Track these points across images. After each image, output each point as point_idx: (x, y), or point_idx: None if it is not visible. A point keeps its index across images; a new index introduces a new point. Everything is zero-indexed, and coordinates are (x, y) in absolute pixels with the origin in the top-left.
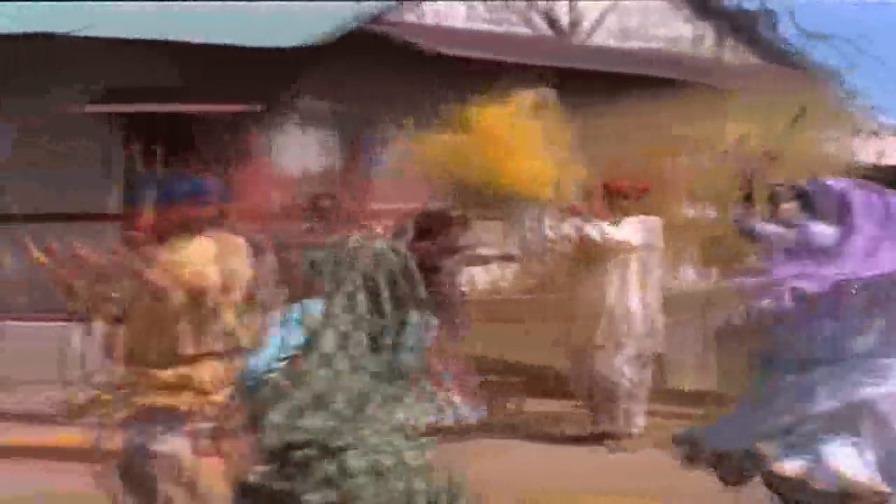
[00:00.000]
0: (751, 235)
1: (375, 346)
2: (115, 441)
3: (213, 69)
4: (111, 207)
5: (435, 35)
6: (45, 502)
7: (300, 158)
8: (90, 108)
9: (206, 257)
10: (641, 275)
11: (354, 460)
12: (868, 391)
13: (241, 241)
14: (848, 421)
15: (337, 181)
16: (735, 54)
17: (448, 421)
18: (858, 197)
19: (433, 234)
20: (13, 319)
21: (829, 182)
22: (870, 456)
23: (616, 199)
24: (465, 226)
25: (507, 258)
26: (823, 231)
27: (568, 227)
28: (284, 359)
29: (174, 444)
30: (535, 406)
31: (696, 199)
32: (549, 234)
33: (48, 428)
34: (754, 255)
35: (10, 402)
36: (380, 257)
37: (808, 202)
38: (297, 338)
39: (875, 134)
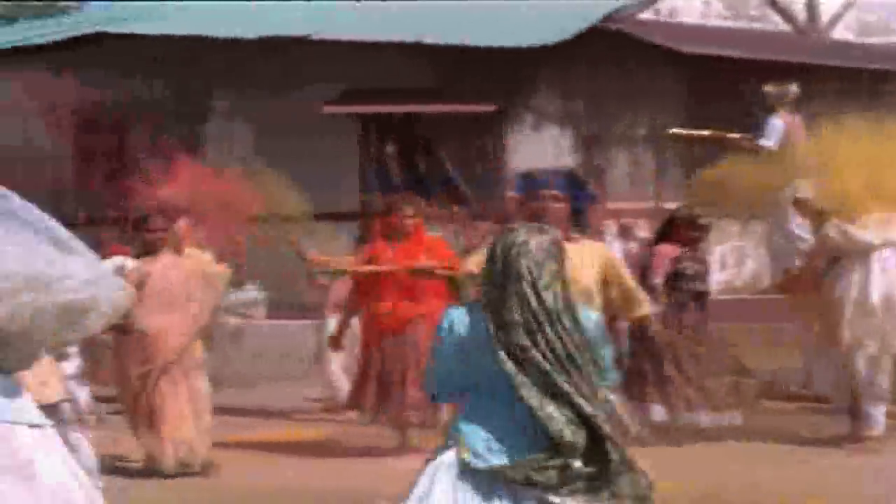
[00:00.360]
0: None
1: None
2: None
3: (453, 70)
4: (352, 207)
5: (671, 32)
6: (285, 497)
7: (536, 158)
8: (330, 109)
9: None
10: (882, 272)
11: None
12: None
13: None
14: None
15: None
16: None
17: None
18: None
19: (682, 235)
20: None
21: None
22: None
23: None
24: (707, 228)
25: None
26: None
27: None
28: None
29: None
30: (772, 408)
31: None
32: (800, 233)
33: (288, 424)
34: None
35: (252, 398)
36: (517, 248)
37: None
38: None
39: None
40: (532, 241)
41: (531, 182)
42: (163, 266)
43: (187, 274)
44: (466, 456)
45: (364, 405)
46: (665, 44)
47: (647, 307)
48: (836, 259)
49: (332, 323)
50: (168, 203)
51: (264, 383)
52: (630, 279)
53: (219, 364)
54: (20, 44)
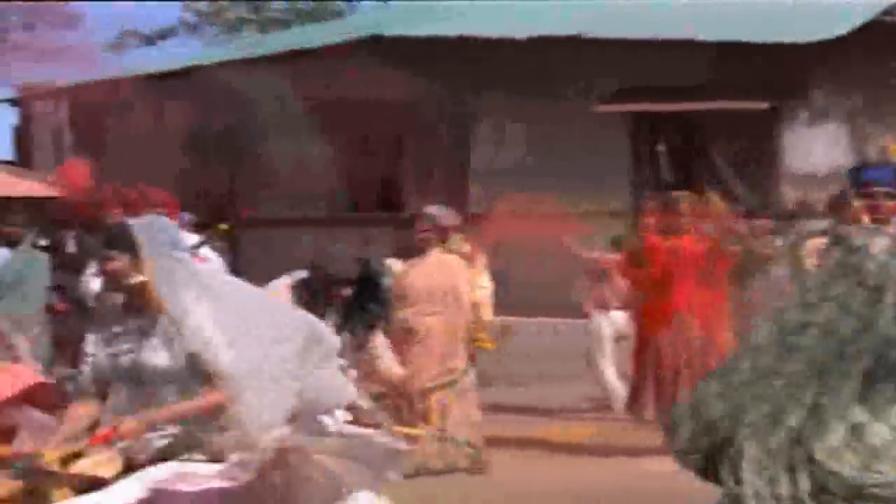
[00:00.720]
0: None
1: None
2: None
3: (725, 67)
4: (623, 205)
5: None
6: (553, 495)
7: (812, 157)
8: (603, 108)
9: None
10: None
11: None
12: None
13: None
14: None
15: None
16: None
17: None
18: None
19: None
20: (525, 316)
21: None
22: None
23: None
24: None
25: None
26: None
27: None
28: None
29: None
30: None
31: None
32: None
33: (558, 422)
34: None
35: (522, 396)
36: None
37: None
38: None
39: None
40: (873, 245)
41: (864, 176)
42: (428, 267)
43: (454, 276)
44: None
45: (638, 406)
46: None
47: None
48: None
49: (599, 321)
50: (437, 218)
51: (534, 382)
52: None
53: (489, 362)
54: (296, 47)
